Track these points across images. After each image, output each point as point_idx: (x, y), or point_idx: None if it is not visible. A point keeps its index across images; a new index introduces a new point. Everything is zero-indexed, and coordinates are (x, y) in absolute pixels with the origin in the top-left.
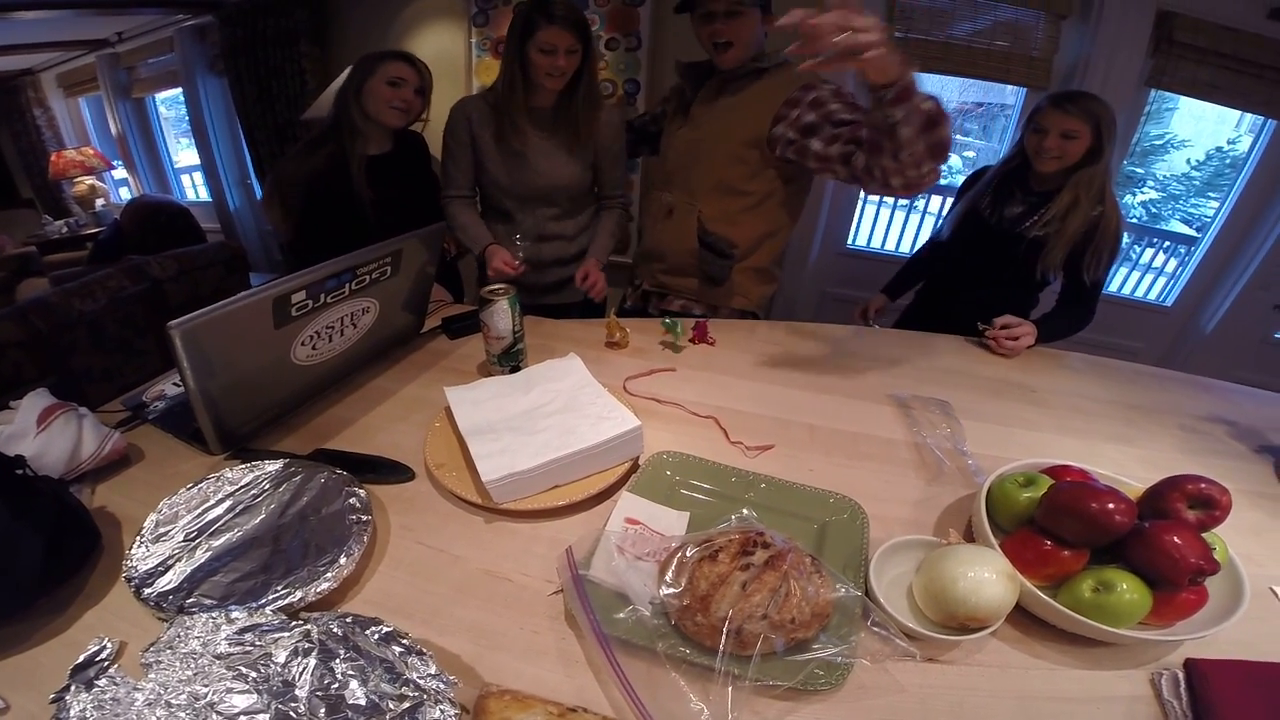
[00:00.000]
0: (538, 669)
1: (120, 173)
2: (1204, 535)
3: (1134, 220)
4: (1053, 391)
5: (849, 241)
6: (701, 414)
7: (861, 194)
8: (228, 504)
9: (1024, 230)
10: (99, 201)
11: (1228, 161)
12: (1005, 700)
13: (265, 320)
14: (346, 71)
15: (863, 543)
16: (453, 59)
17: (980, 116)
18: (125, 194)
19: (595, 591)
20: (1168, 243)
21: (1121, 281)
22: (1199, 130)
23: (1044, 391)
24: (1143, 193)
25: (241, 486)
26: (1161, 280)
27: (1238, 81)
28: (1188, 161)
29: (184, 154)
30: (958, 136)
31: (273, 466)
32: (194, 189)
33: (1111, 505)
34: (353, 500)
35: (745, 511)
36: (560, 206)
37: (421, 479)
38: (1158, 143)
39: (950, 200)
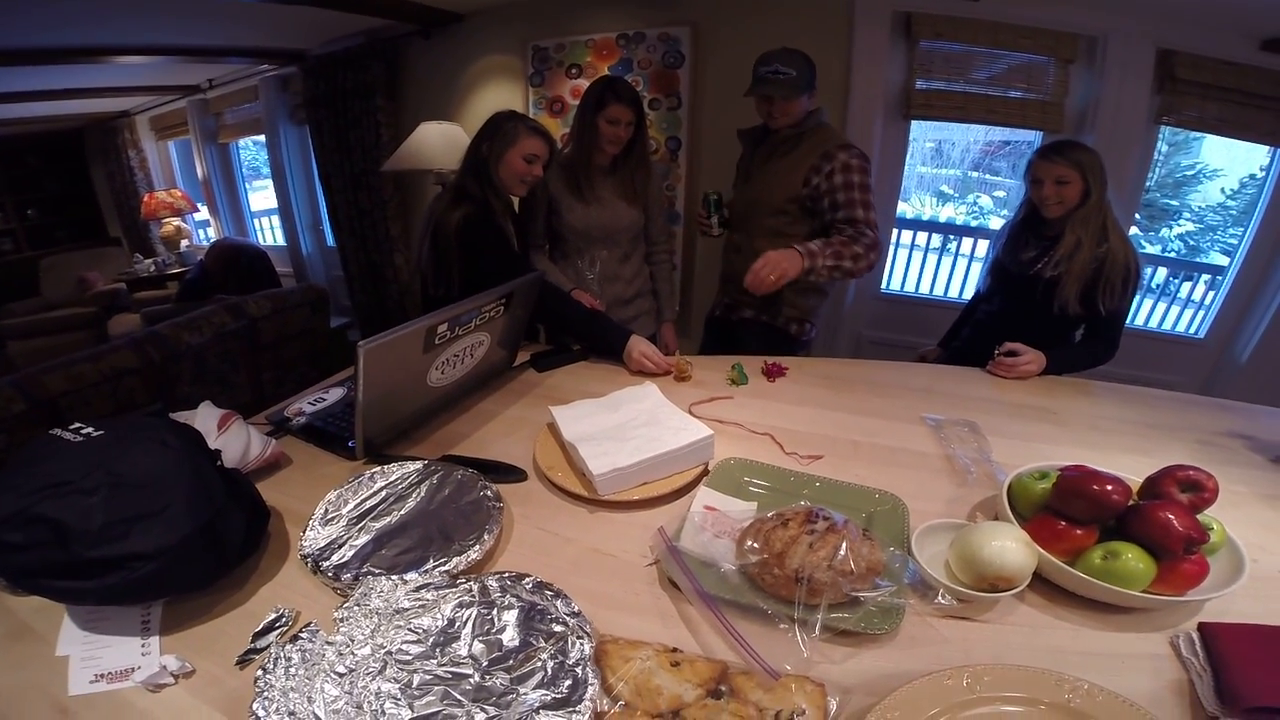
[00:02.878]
0: (641, 622)
1: (200, 215)
2: (1205, 520)
3: (1171, 254)
4: (1073, 413)
5: (884, 286)
6: (759, 431)
7: (894, 240)
8: (383, 494)
9: (1038, 271)
10: (184, 242)
11: (1264, 189)
12: (1039, 652)
13: (417, 346)
14: (480, 131)
15: (904, 527)
16: None
17: (1008, 155)
18: (203, 235)
19: (686, 558)
20: (1206, 275)
21: (1162, 316)
22: (1231, 158)
23: (1064, 413)
24: (1179, 225)
25: (392, 481)
26: (1202, 313)
27: (1242, 114)
28: (1222, 191)
29: (255, 197)
30: (988, 176)
31: (415, 465)
32: (266, 233)
33: (1110, 486)
34: (486, 492)
35: (804, 503)
36: (622, 248)
37: (532, 479)
38: (1189, 173)
39: (985, 244)
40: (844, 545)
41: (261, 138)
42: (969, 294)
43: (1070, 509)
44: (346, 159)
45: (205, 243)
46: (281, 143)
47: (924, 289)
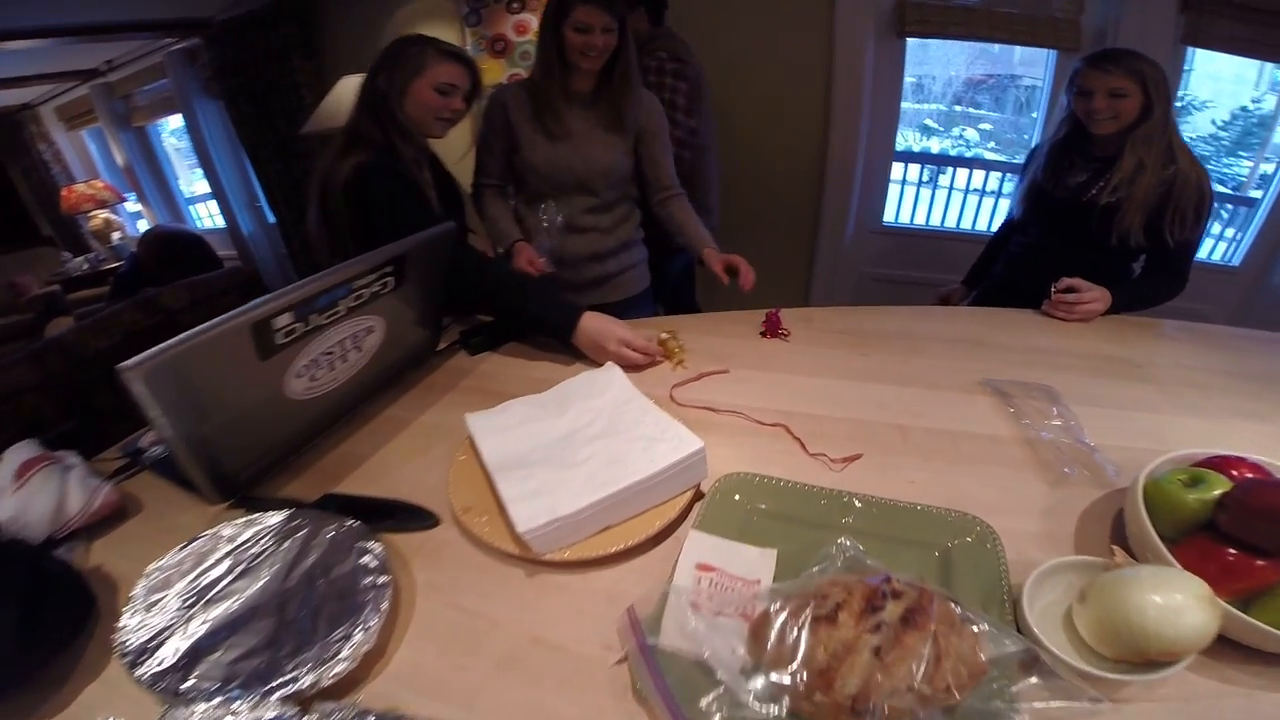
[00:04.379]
0: None
1: (134, 205)
2: None
3: None
4: (1158, 365)
5: (884, 219)
6: (768, 422)
7: (892, 170)
8: (226, 564)
9: (1092, 198)
10: (115, 235)
11: (1254, 120)
12: None
13: (246, 351)
14: (378, 61)
15: (1000, 571)
16: None
17: (991, 88)
18: (141, 227)
19: (670, 664)
20: (1227, 205)
21: None
22: (1218, 90)
23: (1149, 366)
24: None
25: (240, 545)
26: (1221, 246)
27: (1277, 35)
28: (1213, 122)
29: (199, 184)
30: (970, 110)
31: (275, 519)
32: (207, 219)
33: None
34: (366, 559)
35: (845, 542)
36: (599, 195)
37: (448, 524)
38: (1178, 105)
39: (992, 175)
40: (931, 650)
41: (178, 117)
42: (966, 224)
43: (1259, 536)
44: (269, 127)
45: (140, 234)
46: (200, 119)
47: (920, 219)
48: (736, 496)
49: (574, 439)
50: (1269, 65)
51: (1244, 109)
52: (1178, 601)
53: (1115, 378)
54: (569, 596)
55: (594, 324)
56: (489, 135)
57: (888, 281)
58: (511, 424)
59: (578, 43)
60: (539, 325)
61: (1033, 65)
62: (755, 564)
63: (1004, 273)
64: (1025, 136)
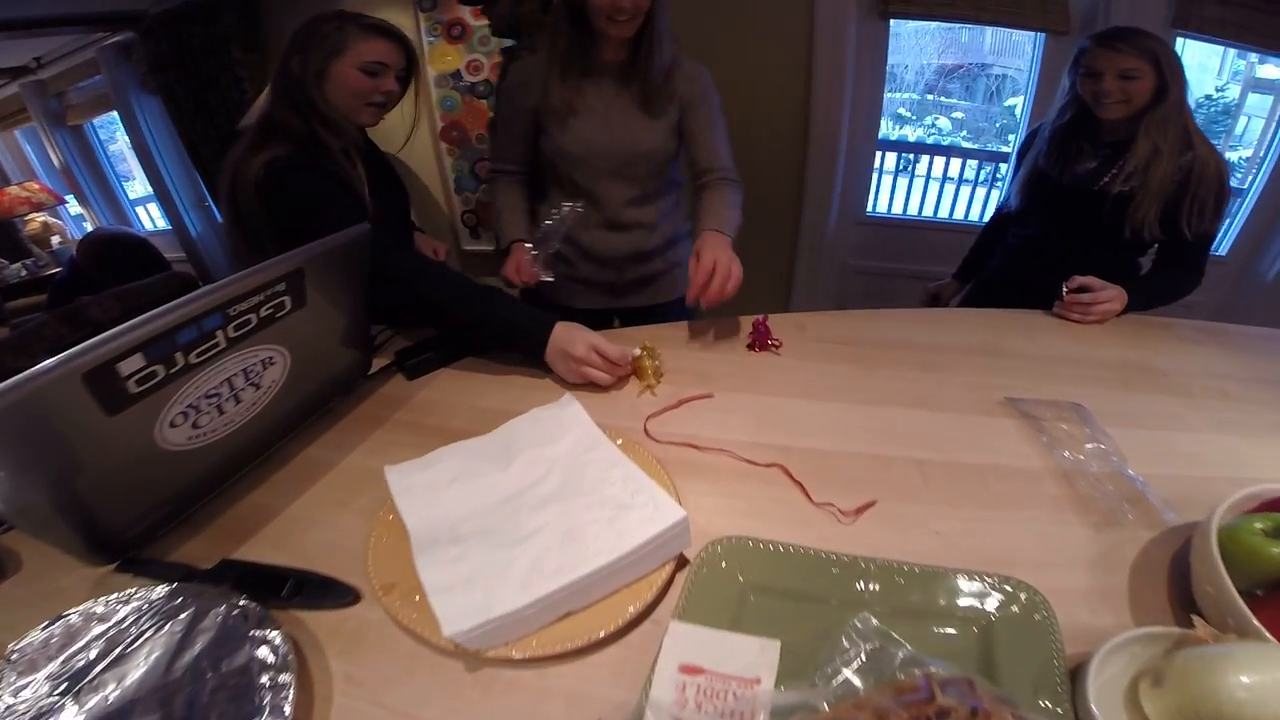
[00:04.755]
0: None
1: (76, 207)
2: None
3: None
4: (1185, 373)
5: (869, 209)
6: (762, 462)
7: (877, 158)
8: (99, 648)
9: (1104, 187)
10: (55, 239)
11: (1218, 108)
12: None
13: (85, 406)
14: (290, 42)
15: (1054, 649)
16: None
17: (962, 77)
18: (89, 229)
19: None
20: None
21: None
22: None
23: (1176, 374)
24: None
25: (115, 624)
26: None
27: (1269, 22)
28: None
29: (136, 184)
30: (942, 99)
31: (156, 594)
32: (158, 220)
33: None
34: (262, 651)
35: (872, 622)
36: (641, 184)
37: (371, 599)
38: None
39: (969, 163)
40: None
41: (115, 114)
42: (944, 213)
43: None
44: (211, 124)
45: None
46: (139, 117)
47: (896, 209)
48: (724, 564)
49: (520, 503)
50: (1231, 54)
51: (1208, 97)
52: (1276, 683)
53: (1145, 391)
54: (522, 697)
55: (563, 331)
56: (510, 116)
57: (873, 274)
58: (442, 480)
59: (603, 5)
60: (502, 338)
61: (1003, 54)
62: (754, 659)
63: (1001, 267)
64: (997, 125)
